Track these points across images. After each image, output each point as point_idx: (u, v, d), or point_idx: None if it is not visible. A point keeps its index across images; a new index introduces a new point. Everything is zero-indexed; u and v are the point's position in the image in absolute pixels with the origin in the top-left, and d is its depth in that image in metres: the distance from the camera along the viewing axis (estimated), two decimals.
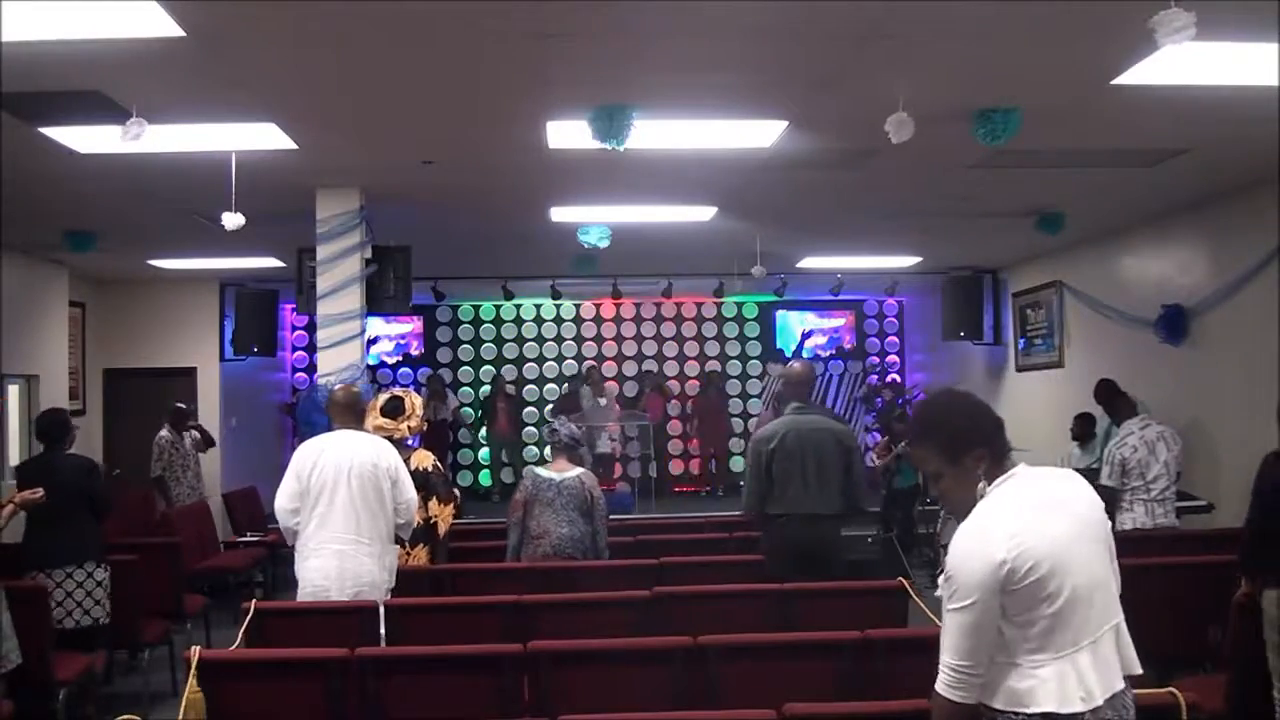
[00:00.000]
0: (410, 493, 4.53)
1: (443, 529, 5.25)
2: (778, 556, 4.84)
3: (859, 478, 4.96)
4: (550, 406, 12.81)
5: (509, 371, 13.00)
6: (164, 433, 8.62)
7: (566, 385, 12.84)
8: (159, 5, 3.54)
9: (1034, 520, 2.18)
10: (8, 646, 4.14)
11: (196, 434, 9.05)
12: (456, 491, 5.50)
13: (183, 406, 9.01)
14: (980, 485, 2.27)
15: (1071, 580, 2.15)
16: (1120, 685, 2.19)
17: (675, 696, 3.33)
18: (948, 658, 2.19)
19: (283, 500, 4.41)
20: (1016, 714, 2.15)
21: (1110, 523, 2.33)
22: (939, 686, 2.21)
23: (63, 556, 5.07)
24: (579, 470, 5.24)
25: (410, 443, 5.32)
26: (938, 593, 2.27)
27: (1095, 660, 2.16)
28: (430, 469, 5.22)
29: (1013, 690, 2.15)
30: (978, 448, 2.28)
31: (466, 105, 4.90)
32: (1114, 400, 6.88)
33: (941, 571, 2.19)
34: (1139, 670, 2.25)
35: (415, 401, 5.32)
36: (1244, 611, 3.78)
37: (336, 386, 4.93)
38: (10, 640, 4.17)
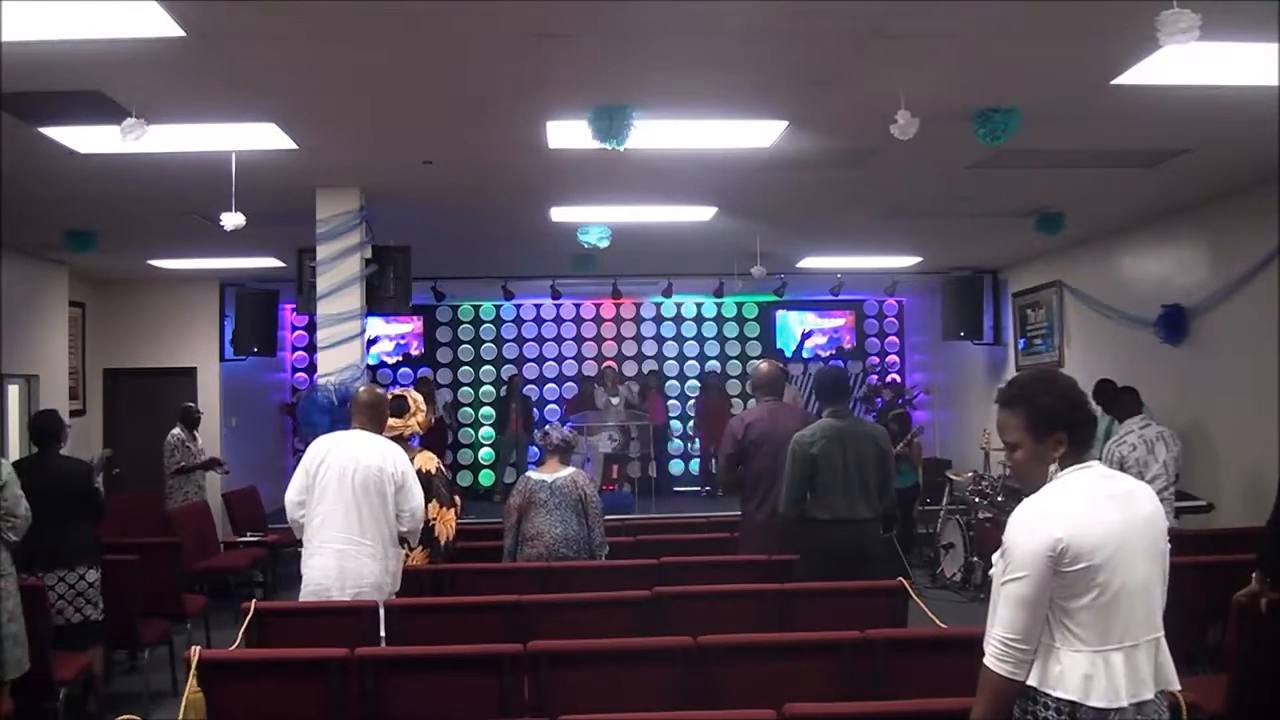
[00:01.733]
0: (416, 500, 4.49)
1: (442, 533, 5.21)
2: (816, 560, 4.83)
3: (892, 480, 5.05)
4: (550, 406, 12.83)
5: (508, 371, 13.00)
6: (176, 430, 8.61)
7: (571, 385, 12.88)
8: (159, 5, 3.54)
9: (1098, 511, 2.22)
10: (20, 653, 4.14)
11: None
12: (458, 499, 5.50)
13: (191, 405, 9.01)
14: (1052, 468, 2.31)
15: (1121, 578, 2.18)
16: (1150, 695, 2.21)
17: (675, 696, 3.33)
18: (998, 630, 2.23)
19: (291, 494, 4.45)
20: (1044, 694, 2.19)
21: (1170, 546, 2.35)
22: (987, 659, 2.24)
23: (54, 559, 5.04)
24: (571, 470, 5.26)
25: (412, 443, 5.32)
26: (1003, 568, 2.28)
27: (1128, 664, 2.19)
28: (433, 471, 5.22)
29: (1044, 670, 2.20)
30: (1060, 431, 2.31)
31: (466, 105, 4.90)
32: (1119, 398, 6.89)
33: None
34: (1177, 686, 2.29)
35: (417, 398, 5.33)
36: (1244, 611, 3.78)
37: (362, 387, 4.94)
38: (23, 646, 4.18)
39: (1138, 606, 2.21)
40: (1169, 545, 2.34)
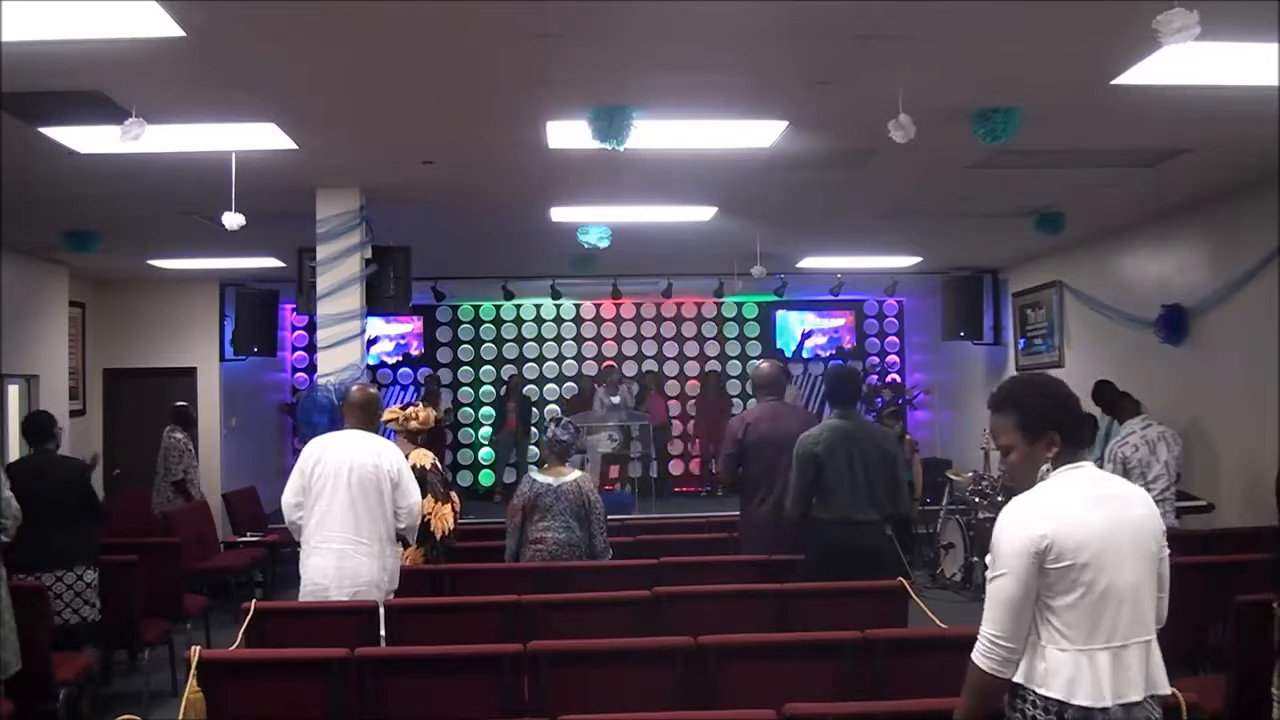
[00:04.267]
0: (413, 497, 4.52)
1: (438, 528, 5.20)
2: (819, 560, 4.82)
3: (902, 482, 5.01)
4: (550, 406, 12.83)
5: (508, 371, 13.00)
6: (179, 435, 8.59)
7: (570, 385, 12.87)
8: (159, 5, 3.54)
9: (1084, 510, 2.24)
10: (9, 655, 4.13)
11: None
12: (454, 495, 5.50)
13: (186, 405, 9.01)
14: (1044, 469, 2.32)
15: (1108, 578, 2.19)
16: (1138, 697, 2.21)
17: (675, 696, 3.33)
18: (985, 627, 2.26)
19: (287, 496, 4.48)
20: (1031, 691, 2.21)
21: (1169, 551, 2.35)
22: (973, 654, 2.27)
23: (52, 560, 5.06)
24: (576, 474, 5.24)
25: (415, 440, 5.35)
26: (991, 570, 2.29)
27: (1114, 665, 2.19)
28: (428, 467, 5.23)
29: (1030, 667, 2.22)
30: (1052, 432, 2.33)
31: (466, 105, 4.90)
32: (1117, 401, 6.89)
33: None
34: (1167, 691, 2.30)
35: (428, 414, 5.40)
36: (1244, 611, 3.78)
37: (354, 386, 4.96)
38: (11, 649, 4.17)
39: (1125, 608, 2.21)
40: (1166, 550, 2.34)
